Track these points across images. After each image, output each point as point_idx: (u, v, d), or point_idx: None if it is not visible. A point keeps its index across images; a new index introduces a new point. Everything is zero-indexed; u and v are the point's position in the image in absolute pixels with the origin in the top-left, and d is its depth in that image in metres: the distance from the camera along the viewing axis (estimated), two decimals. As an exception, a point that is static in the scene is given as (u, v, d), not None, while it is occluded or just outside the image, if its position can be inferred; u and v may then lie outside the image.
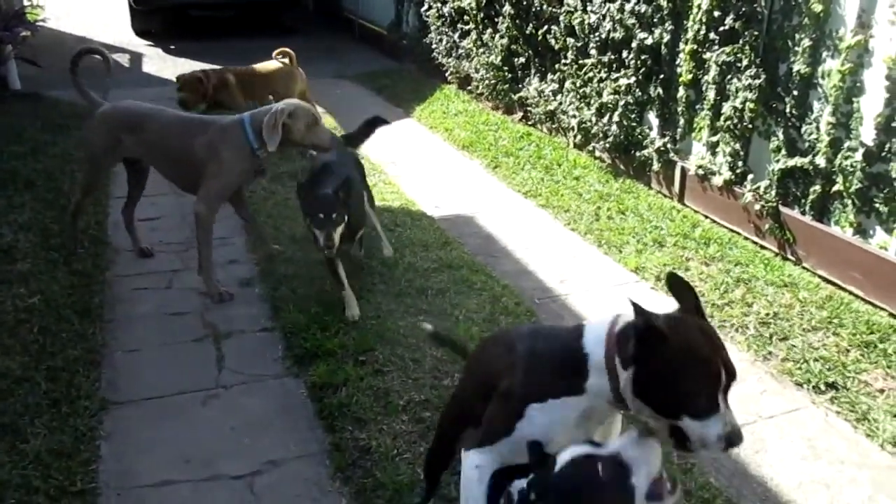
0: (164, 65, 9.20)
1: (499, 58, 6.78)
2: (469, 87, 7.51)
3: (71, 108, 6.90)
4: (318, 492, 2.66)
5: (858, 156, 3.78)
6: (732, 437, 1.66)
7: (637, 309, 1.63)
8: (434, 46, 8.00)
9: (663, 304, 3.73)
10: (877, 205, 3.77)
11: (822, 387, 3.27)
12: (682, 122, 4.93)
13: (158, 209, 5.02)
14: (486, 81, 7.07)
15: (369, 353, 3.35)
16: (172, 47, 10.15)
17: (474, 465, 1.86)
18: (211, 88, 6.14)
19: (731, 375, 1.68)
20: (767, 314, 3.77)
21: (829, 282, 4.02)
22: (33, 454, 2.74)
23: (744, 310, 3.82)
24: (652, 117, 5.22)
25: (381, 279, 4.04)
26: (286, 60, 6.28)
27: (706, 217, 4.81)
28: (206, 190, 3.77)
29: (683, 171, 4.95)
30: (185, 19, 11.15)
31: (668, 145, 5.03)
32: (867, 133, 3.74)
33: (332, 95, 7.89)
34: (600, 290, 4.11)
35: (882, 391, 3.22)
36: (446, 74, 7.88)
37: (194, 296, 3.97)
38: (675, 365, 1.64)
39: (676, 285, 1.81)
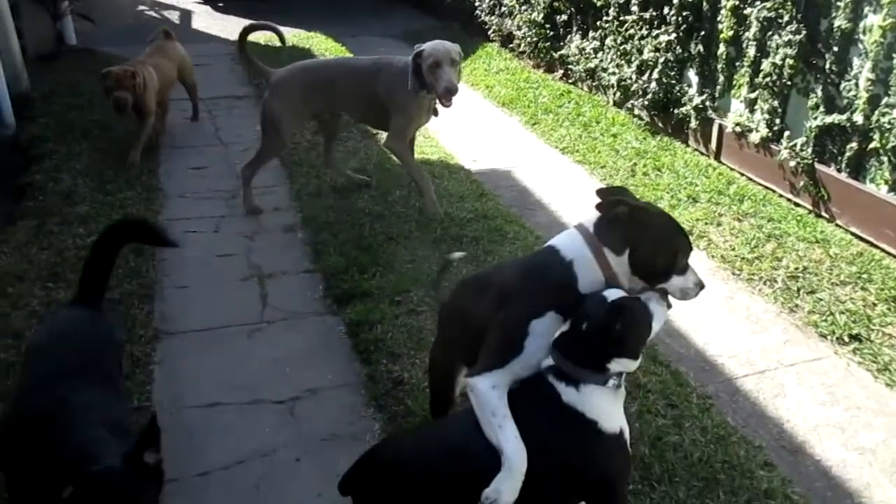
0: (212, 21, 9.39)
1: (541, 15, 6.79)
2: (511, 45, 7.54)
3: (123, 62, 7.13)
4: (353, 417, 2.85)
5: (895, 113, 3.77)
6: (702, 283, 2.08)
7: (613, 200, 1.99)
8: (477, 4, 8.02)
9: (695, 257, 3.84)
10: (912, 162, 3.77)
11: (846, 338, 3.33)
12: (721, 79, 4.93)
13: (207, 159, 5.22)
14: (528, 39, 7.09)
15: (404, 294, 3.52)
16: (220, 5, 10.32)
17: (491, 386, 1.96)
18: (141, 85, 4.96)
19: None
20: (797, 268, 3.82)
21: (861, 239, 4.04)
22: (93, 375, 2.97)
23: (773, 264, 3.87)
24: (692, 74, 5.22)
25: (418, 227, 4.18)
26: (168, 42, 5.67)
27: (742, 174, 4.83)
28: (393, 129, 4.17)
29: (721, 129, 4.96)
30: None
31: (707, 103, 5.04)
32: (906, 88, 3.73)
33: (377, 53, 7.96)
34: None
35: (906, 344, 3.27)
36: (489, 32, 7.90)
37: (240, 239, 4.17)
38: (662, 236, 2.01)
39: (606, 192, 2.12)
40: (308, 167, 4.99)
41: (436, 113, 4.28)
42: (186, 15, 9.75)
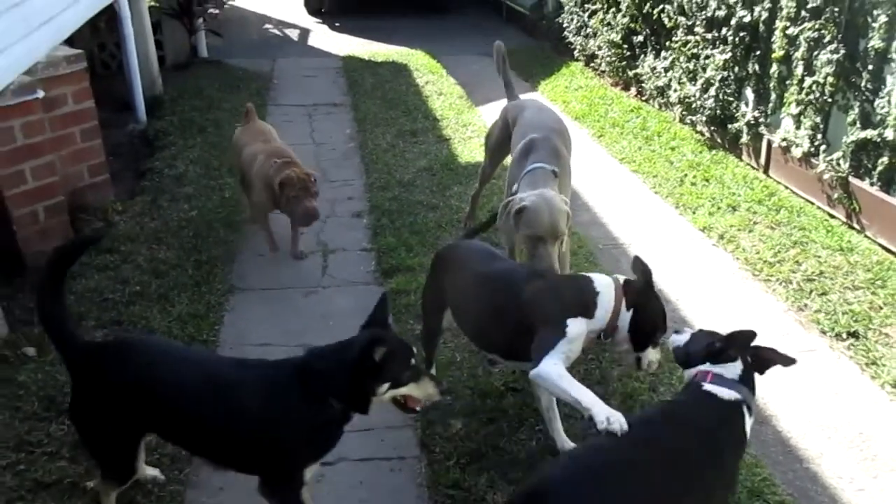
0: (327, 39, 10.29)
1: (619, 36, 7.15)
2: (593, 64, 7.92)
3: (244, 73, 8.10)
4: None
5: (922, 128, 3.93)
6: (660, 362, 2.67)
7: (643, 268, 2.57)
8: (566, 26, 8.45)
9: (720, 258, 4.15)
10: (936, 176, 3.91)
11: (844, 335, 3.56)
12: (773, 96, 5.15)
13: (298, 155, 5.93)
14: (608, 59, 7.46)
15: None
16: (337, 25, 11.25)
17: (552, 365, 2.41)
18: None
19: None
20: (814, 272, 4.04)
21: (887, 250, 4.19)
22: (176, 314, 3.67)
23: (792, 267, 4.11)
24: (748, 92, 5.45)
25: (450, 214, 4.69)
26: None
27: (786, 187, 5.03)
28: None
29: (769, 144, 5.18)
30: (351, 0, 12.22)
31: (759, 119, 5.27)
32: (931, 106, 3.89)
33: (470, 70, 8.57)
34: (663, 243, 4.52)
35: (901, 343, 3.45)
36: (574, 52, 8.31)
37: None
38: (655, 310, 2.60)
39: (637, 264, 2.64)
40: (382, 164, 5.60)
41: None
42: (305, 33, 10.71)
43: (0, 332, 3.45)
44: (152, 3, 7.89)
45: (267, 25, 11.13)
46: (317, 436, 2.26)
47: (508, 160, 4.18)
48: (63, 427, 2.89)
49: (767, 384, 3.21)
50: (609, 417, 2.14)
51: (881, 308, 3.69)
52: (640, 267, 2.60)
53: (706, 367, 2.29)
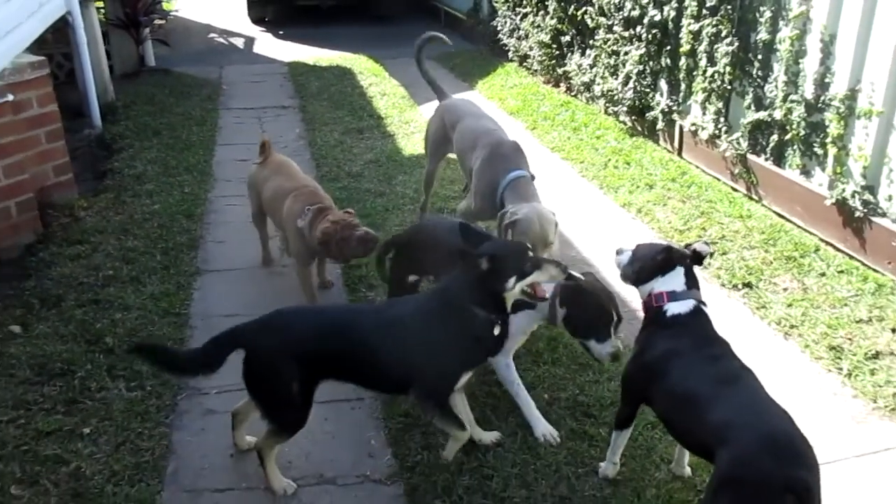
0: (272, 46, 10.63)
1: (548, 36, 7.71)
2: (526, 64, 8.48)
3: (192, 79, 8.41)
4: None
5: (802, 108, 4.54)
6: (616, 354, 2.86)
7: (570, 276, 2.82)
8: (500, 28, 8.99)
9: (638, 228, 4.66)
10: (815, 149, 4.52)
11: (740, 286, 4.12)
12: (683, 86, 5.74)
13: (250, 153, 6.27)
14: (539, 58, 8.01)
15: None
16: (281, 32, 11.58)
17: (505, 364, 3.11)
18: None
19: (619, 319, 2.89)
20: (717, 236, 4.61)
21: (779, 215, 4.79)
22: (149, 293, 4.02)
23: (699, 233, 4.67)
24: (662, 83, 6.04)
25: (410, 201, 5.14)
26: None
27: (696, 167, 5.62)
28: (469, 197, 4.15)
29: (681, 129, 5.77)
30: (293, 9, 12.55)
31: (672, 107, 5.86)
32: (808, 88, 4.50)
33: (411, 73, 8.99)
34: (589, 218, 5.05)
35: (785, 289, 4.03)
36: (509, 53, 8.85)
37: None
38: (585, 311, 2.86)
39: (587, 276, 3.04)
40: (332, 159, 6.02)
41: None
42: (250, 41, 11.04)
43: (-15, 313, 3.76)
44: (99, 16, 8.13)
45: (212, 35, 11.41)
46: (471, 344, 2.65)
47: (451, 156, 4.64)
48: (56, 388, 3.23)
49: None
50: (545, 434, 2.96)
51: (771, 263, 4.27)
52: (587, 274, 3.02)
53: (657, 286, 2.56)
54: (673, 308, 2.51)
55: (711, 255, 2.59)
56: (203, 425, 3.10)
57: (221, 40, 11.14)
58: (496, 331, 2.65)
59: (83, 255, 4.41)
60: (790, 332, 3.71)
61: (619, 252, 2.77)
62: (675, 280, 2.56)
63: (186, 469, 2.87)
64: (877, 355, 3.45)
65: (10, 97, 4.40)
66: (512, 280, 2.57)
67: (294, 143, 6.55)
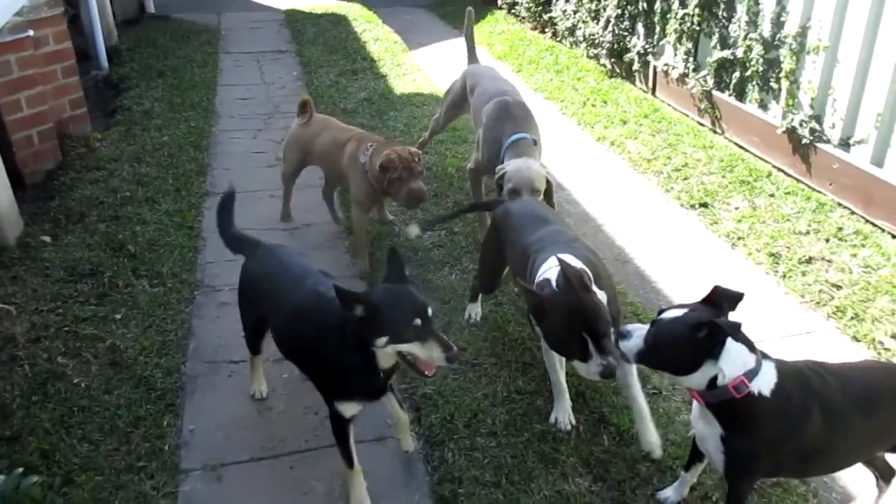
0: (268, -5, 10.88)
1: (535, -17, 8.03)
2: (514, 11, 8.80)
3: (192, 25, 8.71)
4: (334, 239, 4.25)
5: (760, 46, 4.93)
6: (605, 373, 2.33)
7: (532, 293, 2.42)
8: (490, -23, 9.28)
9: (611, 159, 5.08)
10: (771, 84, 4.93)
11: (697, 206, 4.57)
12: (658, 29, 6.11)
13: (251, 92, 6.69)
14: (526, 5, 8.34)
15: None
16: (277, -19, 11.80)
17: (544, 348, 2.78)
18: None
19: (603, 334, 2.32)
20: (681, 164, 5.04)
21: (738, 146, 5.22)
22: (164, 210, 4.45)
23: (665, 161, 5.11)
24: (639, 27, 6.40)
25: (388, 133, 5.55)
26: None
27: (668, 104, 6.03)
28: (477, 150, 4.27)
29: (655, 69, 6.16)
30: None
31: (647, 49, 6.24)
32: (766, 27, 4.89)
33: (403, 20, 9.34)
34: (567, 151, 5.47)
35: (737, 208, 4.48)
36: (498, 1, 9.16)
37: (271, 143, 5.60)
38: (555, 331, 2.41)
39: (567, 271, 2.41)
40: (328, 98, 6.39)
41: None
42: (247, -11, 11.26)
43: (19, 226, 4.18)
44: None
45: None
46: (342, 377, 2.41)
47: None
48: (87, 285, 3.68)
49: (638, 238, 4.22)
50: (558, 418, 2.77)
51: (727, 186, 4.71)
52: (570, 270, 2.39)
53: (726, 372, 2.03)
54: (762, 384, 2.05)
55: (741, 297, 2.09)
56: (218, 314, 3.57)
57: (219, -12, 11.36)
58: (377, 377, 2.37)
59: (101, 180, 4.82)
60: (737, 242, 4.17)
61: (624, 336, 2.15)
62: (737, 355, 2.04)
63: (205, 346, 3.34)
64: (809, 260, 3.92)
65: (31, 33, 4.76)
66: (384, 339, 2.20)
67: (292, 84, 6.92)
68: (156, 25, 8.65)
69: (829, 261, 3.90)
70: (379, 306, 2.20)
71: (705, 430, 2.17)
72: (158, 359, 3.19)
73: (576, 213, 4.57)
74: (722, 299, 2.08)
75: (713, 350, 2.01)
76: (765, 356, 2.11)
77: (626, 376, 2.66)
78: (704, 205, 4.56)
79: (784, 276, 3.85)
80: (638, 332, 2.12)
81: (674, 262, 4.05)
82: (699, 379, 2.05)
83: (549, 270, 2.52)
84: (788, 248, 4.04)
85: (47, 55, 5.19)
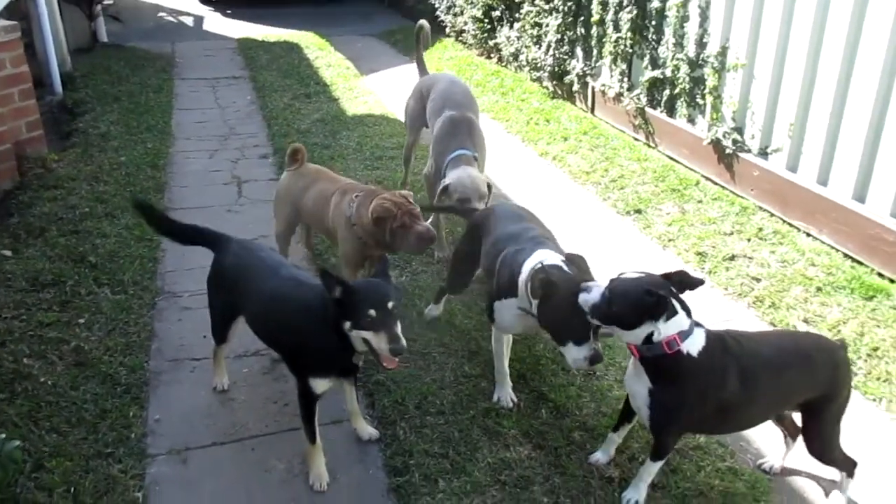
0: (221, 24, 11.10)
1: (480, 11, 8.41)
2: (461, 38, 9.17)
3: (146, 53, 8.87)
4: (290, 250, 4.44)
5: (686, 65, 5.33)
6: (593, 358, 2.48)
7: (541, 268, 2.54)
8: (437, 6, 9.65)
9: (553, 172, 5.39)
10: (698, 100, 5.33)
11: (632, 212, 4.89)
12: (595, 52, 6.50)
13: (207, 116, 6.87)
14: (473, 32, 8.71)
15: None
16: (229, 12, 12.03)
17: (495, 336, 3.03)
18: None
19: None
20: (617, 176, 5.38)
21: (670, 158, 5.59)
22: (123, 224, 4.58)
23: (602, 173, 5.44)
24: (578, 50, 6.79)
25: (352, 151, 5.79)
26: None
27: (606, 122, 6.41)
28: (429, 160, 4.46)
29: (593, 90, 6.54)
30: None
31: (586, 70, 6.62)
32: (691, 48, 5.29)
33: (355, 48, 9.64)
34: (512, 165, 5.78)
35: (668, 213, 4.82)
36: (446, 29, 9.53)
37: (227, 163, 5.78)
38: (559, 309, 2.48)
39: (572, 258, 2.70)
40: (282, 119, 6.62)
41: None
42: (199, 19, 11.47)
43: (-22, 241, 4.29)
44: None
45: (161, 13, 11.80)
46: (318, 355, 2.61)
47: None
48: (49, 293, 3.80)
49: (570, 236, 4.51)
50: (500, 397, 2.98)
51: (659, 194, 5.06)
52: (573, 259, 2.67)
53: (662, 331, 2.27)
54: (691, 346, 2.30)
55: (701, 283, 2.36)
56: (180, 317, 3.72)
57: (171, 18, 11.54)
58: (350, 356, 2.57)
59: (60, 198, 4.93)
60: (668, 244, 4.50)
61: (586, 289, 2.40)
62: (675, 318, 2.28)
63: (168, 346, 3.50)
64: (733, 258, 4.25)
65: (-11, 56, 4.89)
66: (347, 324, 2.41)
67: (246, 108, 7.13)
68: (109, 53, 8.79)
69: (750, 257, 4.25)
70: (351, 292, 2.41)
71: (636, 386, 2.42)
72: (123, 358, 3.33)
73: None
74: (682, 278, 2.35)
75: (655, 315, 2.25)
76: (698, 324, 2.36)
77: None
78: (638, 211, 4.89)
79: (710, 272, 4.17)
80: (597, 289, 2.36)
81: (611, 263, 4.31)
82: (639, 334, 2.29)
83: (546, 260, 2.65)
84: (714, 247, 4.37)
85: (4, 78, 5.31)
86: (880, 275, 3.97)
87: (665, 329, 2.27)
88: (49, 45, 6.96)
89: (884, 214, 4.01)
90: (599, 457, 2.74)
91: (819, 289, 3.90)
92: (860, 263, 4.09)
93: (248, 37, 10.00)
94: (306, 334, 2.58)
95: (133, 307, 3.75)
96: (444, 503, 2.56)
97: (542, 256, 2.69)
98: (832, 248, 4.25)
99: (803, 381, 2.47)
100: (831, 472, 2.71)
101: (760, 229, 4.50)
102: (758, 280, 4.03)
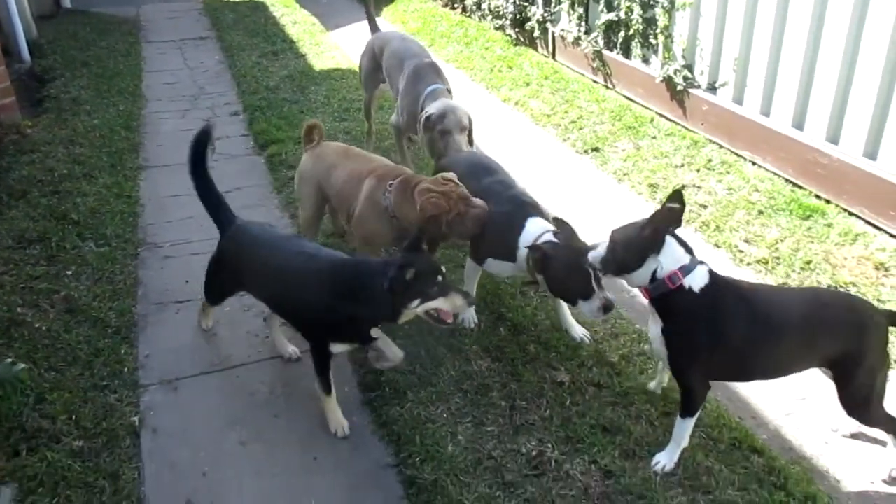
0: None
1: (442, -37, 8.50)
2: (425, -10, 9.26)
3: (111, 18, 8.90)
4: (264, 199, 4.65)
5: (638, 7, 5.52)
6: (606, 307, 2.71)
7: (538, 246, 2.79)
8: (400, -41, 9.70)
9: (516, 116, 5.59)
10: (651, 40, 5.53)
11: (590, 150, 5.13)
12: (553, -2, 6.67)
13: (176, 77, 6.98)
14: (436, -17, 8.81)
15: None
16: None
17: (472, 266, 3.25)
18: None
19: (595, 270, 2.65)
20: (577, 117, 5.61)
21: (627, 98, 5.81)
22: (102, 184, 4.75)
23: (563, 116, 5.66)
24: (538, -3, 6.95)
25: (321, 105, 5.96)
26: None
27: (567, 66, 6.60)
28: (397, 113, 4.62)
29: (553, 35, 6.72)
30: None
31: (546, 17, 6.79)
32: (643, -11, 5.48)
33: (320, 4, 9.69)
34: (477, 110, 5.91)
35: (623, 150, 5.06)
36: (410, -18, 9.60)
37: (199, 121, 5.91)
38: (560, 276, 2.75)
39: (559, 223, 2.91)
40: (251, 77, 6.75)
41: None
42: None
43: (-37, 204, 4.45)
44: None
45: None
46: (347, 326, 2.71)
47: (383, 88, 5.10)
48: (36, 249, 3.99)
49: (531, 175, 4.75)
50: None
51: (616, 132, 5.30)
52: (560, 224, 2.89)
53: (664, 266, 2.38)
54: (693, 281, 2.39)
55: (683, 206, 2.43)
56: (162, 266, 3.94)
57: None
58: (373, 332, 2.72)
59: (37, 162, 5.08)
60: (623, 178, 4.76)
61: (592, 248, 2.58)
62: (674, 252, 2.40)
63: (153, 291, 3.72)
64: (683, 187, 4.52)
65: (-43, 24, 4.98)
66: (416, 301, 2.54)
67: (215, 67, 7.24)
68: (74, 19, 8.80)
69: (699, 187, 4.52)
70: (420, 272, 2.51)
71: (653, 329, 2.53)
72: (111, 303, 3.56)
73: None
74: (665, 214, 2.39)
75: (655, 245, 2.37)
76: (702, 262, 2.44)
77: None
78: (596, 149, 5.14)
79: (660, 202, 4.43)
80: (602, 244, 2.52)
81: (569, 198, 4.59)
82: (645, 273, 2.41)
83: (541, 236, 2.86)
84: (665, 178, 4.64)
85: (-27, 48, 5.41)
86: (817, 196, 4.26)
87: (666, 263, 2.38)
88: (14, 12, 7.01)
89: (820, 140, 4.28)
90: (653, 386, 2.94)
91: (761, 212, 4.18)
92: (800, 187, 4.37)
93: None
94: (330, 309, 2.64)
95: (117, 258, 3.95)
96: (412, 411, 2.84)
97: (535, 230, 2.91)
98: (775, 174, 4.53)
99: (823, 336, 2.46)
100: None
101: (709, 160, 4.77)
102: (705, 207, 4.31)
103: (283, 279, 2.83)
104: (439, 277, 2.55)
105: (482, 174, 3.32)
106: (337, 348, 2.73)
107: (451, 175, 3.14)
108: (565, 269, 2.70)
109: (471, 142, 4.08)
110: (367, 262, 2.72)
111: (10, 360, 2.25)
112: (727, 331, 2.40)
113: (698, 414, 2.55)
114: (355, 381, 3.08)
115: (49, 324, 3.38)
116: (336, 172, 3.51)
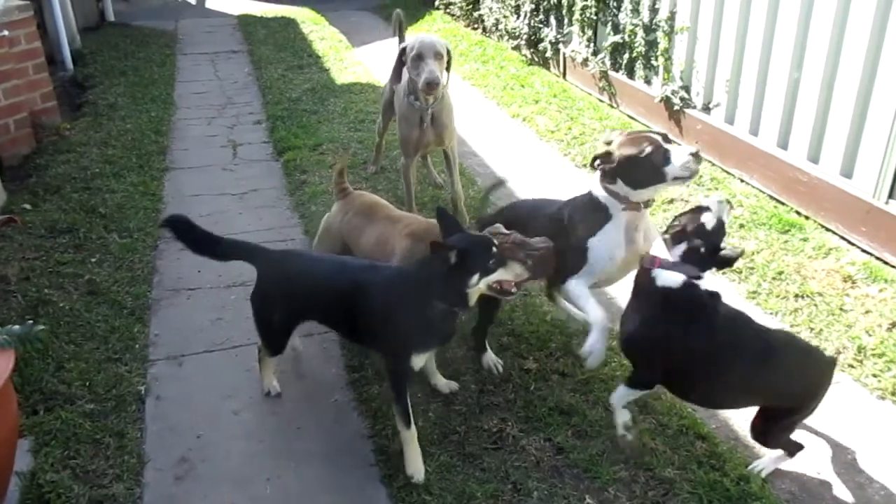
0: (222, 2, 11.57)
1: (465, -16, 8.86)
2: (449, 11, 9.62)
3: (150, 31, 9.40)
4: (277, 201, 4.98)
5: (642, 30, 5.78)
6: (693, 153, 2.71)
7: (595, 157, 2.89)
8: (427, -20, 10.10)
9: (523, 131, 5.88)
10: (652, 62, 5.78)
11: (588, 165, 5.37)
12: (565, 20, 6.95)
13: (207, 87, 7.40)
14: (459, 4, 9.16)
15: (320, 146, 5.65)
16: (232, -10, 12.50)
17: (575, 285, 2.86)
18: None
19: (664, 138, 2.78)
20: (580, 133, 5.87)
21: (630, 116, 6.06)
22: (130, 182, 5.14)
23: (566, 132, 5.93)
24: (552, 19, 7.24)
25: (338, 115, 6.31)
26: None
27: (576, 86, 6.87)
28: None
29: (564, 56, 7.00)
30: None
31: (558, 38, 7.07)
32: (645, 14, 5.74)
33: (349, 22, 10.11)
34: (488, 125, 6.28)
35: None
36: (435, 2, 9.98)
37: (224, 128, 6.32)
38: (631, 162, 2.77)
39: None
40: (276, 89, 7.13)
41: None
42: (202, -2, 11.96)
43: (2, 196, 4.85)
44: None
45: (166, -7, 12.29)
46: (425, 331, 2.62)
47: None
48: (65, 238, 4.36)
49: (531, 186, 5.00)
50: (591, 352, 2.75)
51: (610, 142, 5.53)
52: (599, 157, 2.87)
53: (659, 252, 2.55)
54: (664, 277, 2.51)
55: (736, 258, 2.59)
56: (178, 256, 4.26)
57: (175, -3, 12.04)
58: (454, 321, 2.67)
59: (72, 160, 5.49)
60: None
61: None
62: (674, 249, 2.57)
63: (168, 279, 4.06)
64: (671, 201, 4.75)
65: (6, 32, 5.43)
66: (475, 277, 2.50)
67: (243, 79, 7.65)
68: (116, 31, 9.32)
69: (686, 201, 4.74)
70: (465, 249, 2.47)
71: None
72: (129, 288, 3.90)
73: (485, 174, 5.36)
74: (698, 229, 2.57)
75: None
76: (698, 277, 2.49)
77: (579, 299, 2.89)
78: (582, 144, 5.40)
79: (651, 213, 4.66)
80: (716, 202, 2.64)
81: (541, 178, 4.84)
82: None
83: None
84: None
85: (20, 53, 5.85)
86: (797, 212, 4.46)
87: (658, 246, 2.55)
88: (59, 24, 7.51)
89: (801, 159, 4.49)
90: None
91: (742, 225, 4.40)
92: (782, 203, 4.57)
93: (248, 13, 10.49)
94: (407, 314, 2.59)
95: (138, 248, 4.30)
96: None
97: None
98: (760, 191, 4.74)
99: (778, 380, 2.51)
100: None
101: (700, 177, 4.98)
102: (689, 219, 4.52)
103: (355, 297, 2.71)
104: (493, 249, 2.51)
105: (520, 209, 3.26)
106: (418, 362, 2.66)
107: (497, 226, 2.80)
108: (633, 153, 2.76)
109: (448, 70, 4.00)
110: (422, 259, 2.67)
111: (30, 321, 2.56)
112: (682, 336, 2.46)
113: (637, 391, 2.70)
114: (342, 364, 3.36)
115: (72, 303, 3.72)
116: (363, 238, 3.32)
